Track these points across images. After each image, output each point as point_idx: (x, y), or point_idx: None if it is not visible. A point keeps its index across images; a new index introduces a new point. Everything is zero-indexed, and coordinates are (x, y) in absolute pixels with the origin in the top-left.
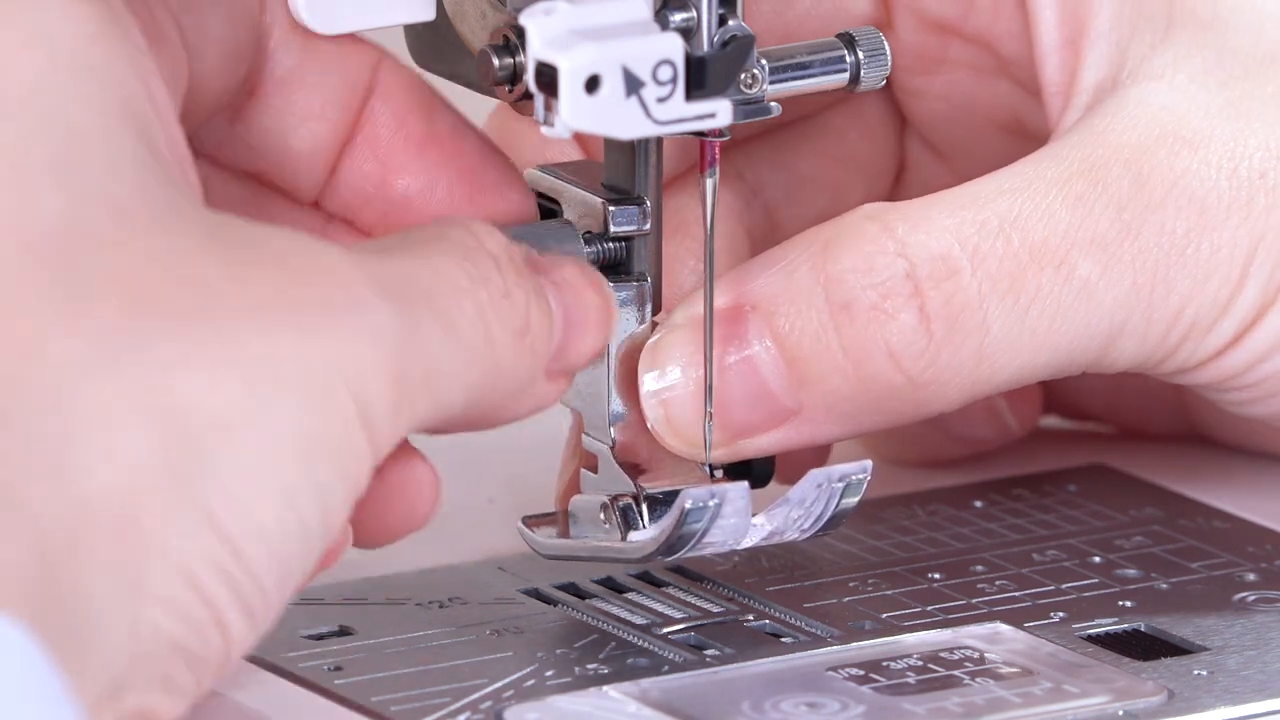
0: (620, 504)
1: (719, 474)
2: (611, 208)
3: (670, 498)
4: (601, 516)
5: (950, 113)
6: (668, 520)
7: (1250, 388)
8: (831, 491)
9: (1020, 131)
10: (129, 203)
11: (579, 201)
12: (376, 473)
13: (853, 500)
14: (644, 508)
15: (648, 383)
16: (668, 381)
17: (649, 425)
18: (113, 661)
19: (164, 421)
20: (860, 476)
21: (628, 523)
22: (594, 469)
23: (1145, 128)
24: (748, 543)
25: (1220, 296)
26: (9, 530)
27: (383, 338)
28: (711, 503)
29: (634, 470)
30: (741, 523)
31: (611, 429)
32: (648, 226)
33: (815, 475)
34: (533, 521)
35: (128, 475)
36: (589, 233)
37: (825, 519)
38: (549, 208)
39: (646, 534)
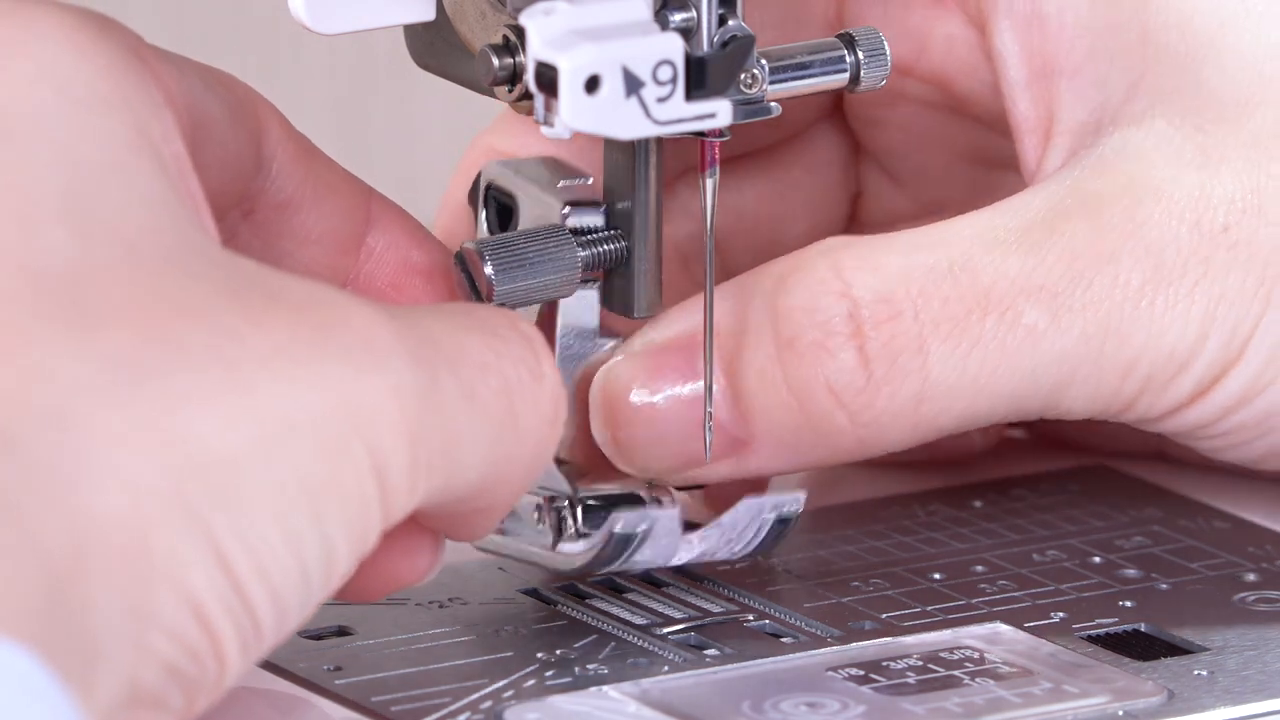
0: (556, 506)
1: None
2: (566, 209)
3: (606, 505)
4: (535, 516)
5: (909, 141)
6: (597, 539)
7: (1219, 437)
8: (764, 521)
9: (982, 160)
10: (140, 240)
11: (535, 200)
12: None
13: (784, 528)
14: (578, 511)
15: (596, 403)
16: (617, 405)
17: (598, 442)
18: (116, 683)
19: (173, 451)
20: (793, 508)
21: (561, 528)
22: None
23: (1114, 176)
24: (676, 561)
25: (1177, 353)
26: (13, 551)
27: (402, 395)
28: (641, 528)
29: (572, 472)
30: (671, 544)
31: None
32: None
33: (749, 504)
34: None
35: (135, 498)
36: (586, 238)
37: (756, 544)
38: (505, 203)
39: (577, 547)
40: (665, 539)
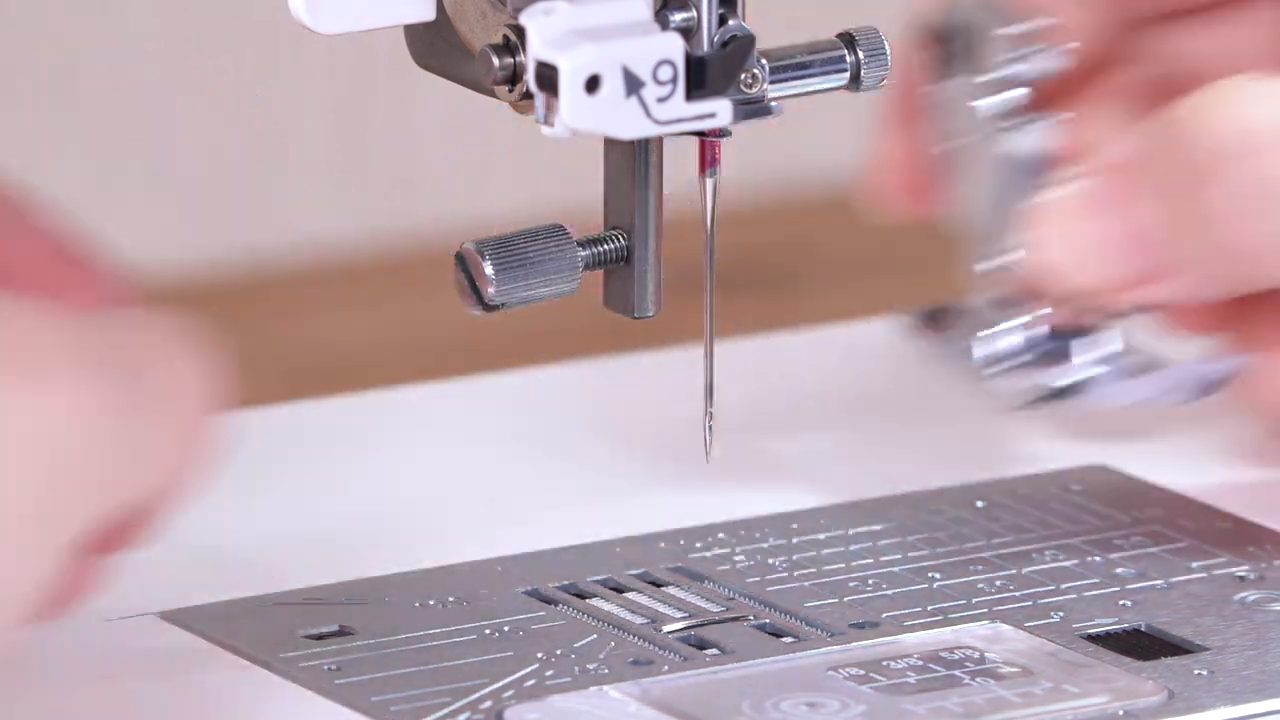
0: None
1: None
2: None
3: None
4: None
5: None
6: (1068, 374)
7: None
8: (1201, 378)
9: None
10: None
11: (998, 39)
12: None
13: (1217, 388)
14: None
15: (1039, 227)
16: (1058, 230)
17: (1040, 268)
18: None
19: None
20: (1228, 370)
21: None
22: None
23: None
24: (1117, 403)
25: None
26: None
27: (83, 409)
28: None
29: (1018, 298)
30: (1124, 388)
31: (1004, 256)
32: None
33: (1189, 366)
34: (924, 326)
35: None
36: (586, 238)
37: (1185, 398)
38: (966, 41)
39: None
40: (1122, 381)
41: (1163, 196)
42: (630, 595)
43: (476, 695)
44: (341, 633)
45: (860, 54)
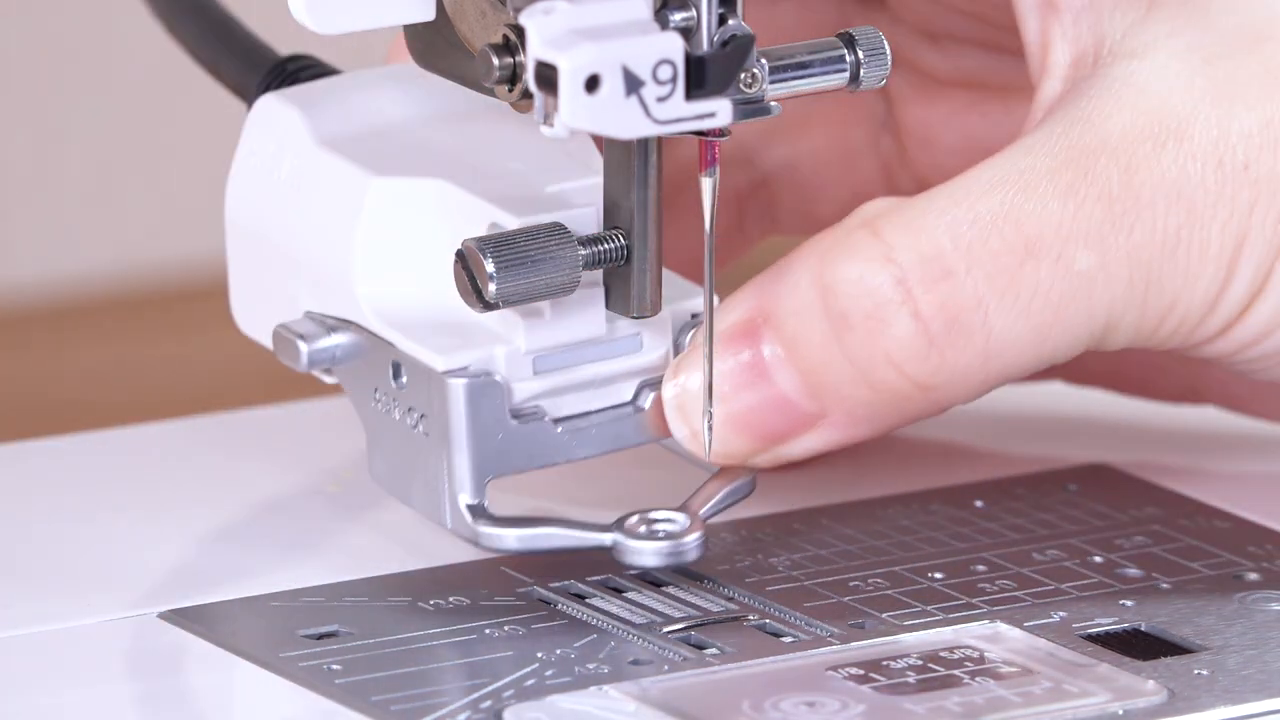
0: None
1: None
2: None
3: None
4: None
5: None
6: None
7: (1247, 363)
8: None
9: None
10: None
11: None
12: None
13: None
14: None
15: (670, 402)
16: (689, 401)
17: (679, 440)
18: None
19: None
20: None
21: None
22: None
23: (1129, 115)
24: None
25: (1209, 294)
26: None
27: None
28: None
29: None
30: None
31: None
32: None
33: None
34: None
35: None
36: (586, 238)
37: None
38: None
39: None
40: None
41: (799, 352)
42: (630, 595)
43: (476, 695)
44: (341, 633)
45: (860, 54)
